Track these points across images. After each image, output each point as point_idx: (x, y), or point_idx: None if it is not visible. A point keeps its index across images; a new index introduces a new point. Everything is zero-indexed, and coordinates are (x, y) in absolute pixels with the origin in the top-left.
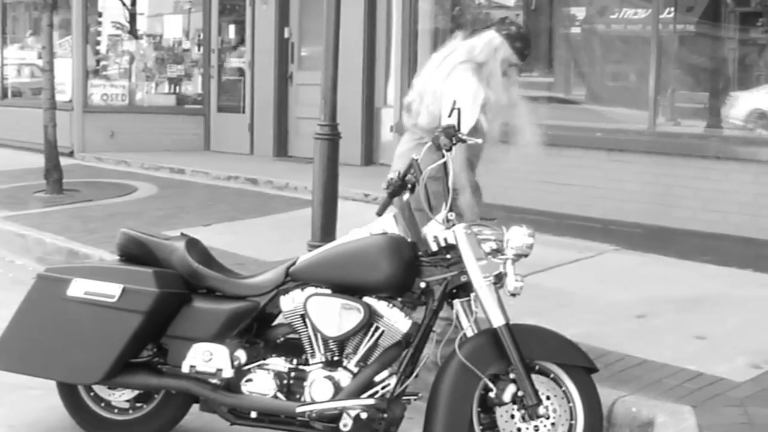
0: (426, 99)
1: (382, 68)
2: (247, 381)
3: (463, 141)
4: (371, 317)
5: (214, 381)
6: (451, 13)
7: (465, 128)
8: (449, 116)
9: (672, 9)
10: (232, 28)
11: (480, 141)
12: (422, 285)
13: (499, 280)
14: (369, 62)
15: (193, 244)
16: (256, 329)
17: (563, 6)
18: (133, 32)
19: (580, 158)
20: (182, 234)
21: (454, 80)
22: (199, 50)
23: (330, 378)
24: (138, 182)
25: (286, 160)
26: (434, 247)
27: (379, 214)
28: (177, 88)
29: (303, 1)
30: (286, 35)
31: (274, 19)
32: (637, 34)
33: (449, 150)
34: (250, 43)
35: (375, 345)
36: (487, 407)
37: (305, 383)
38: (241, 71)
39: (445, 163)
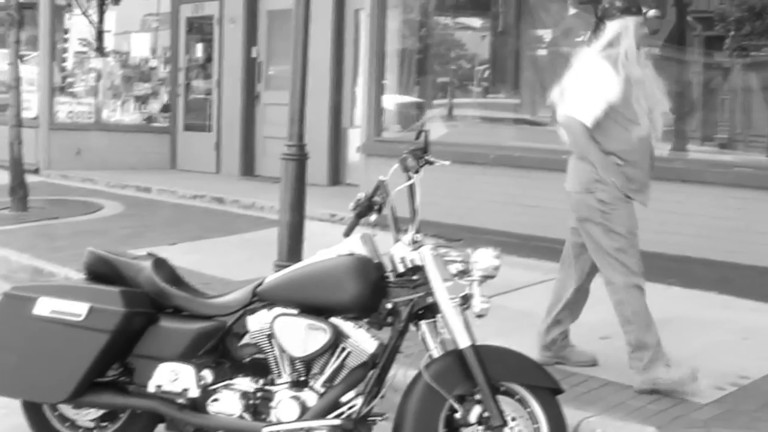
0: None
1: (350, 88)
2: (213, 401)
3: (431, 163)
4: (338, 338)
5: (180, 401)
6: (419, 33)
7: (589, 118)
8: (416, 138)
9: None
10: (199, 46)
11: (447, 163)
12: (389, 306)
13: (465, 301)
14: (336, 82)
15: (160, 264)
16: (223, 349)
17: (530, 28)
18: (100, 50)
19: (545, 180)
20: (149, 253)
21: (583, 70)
22: (166, 68)
23: (296, 398)
24: (104, 200)
25: (252, 180)
26: (401, 268)
27: (347, 234)
28: (144, 106)
29: (271, 21)
30: (253, 55)
31: (241, 38)
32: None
33: (416, 172)
34: (218, 62)
35: (341, 365)
36: (453, 428)
37: (271, 403)
38: (208, 90)
39: (411, 185)
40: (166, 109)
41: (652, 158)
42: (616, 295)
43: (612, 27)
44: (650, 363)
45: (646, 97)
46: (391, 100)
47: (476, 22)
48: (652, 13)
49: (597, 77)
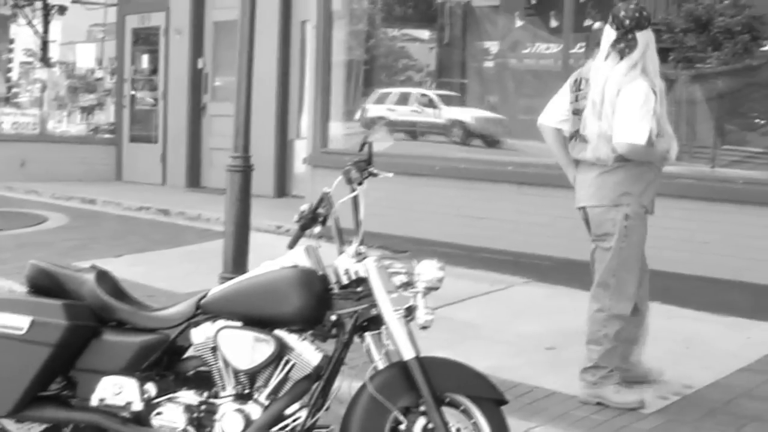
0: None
1: (296, 100)
2: (156, 414)
3: (375, 175)
4: (282, 350)
5: (123, 414)
6: (366, 44)
7: (645, 137)
8: (360, 150)
9: (583, 44)
10: (145, 57)
11: (390, 175)
12: (333, 318)
13: (409, 313)
14: (282, 93)
15: (103, 276)
16: (167, 362)
17: (476, 40)
18: (45, 60)
19: (491, 191)
20: (92, 266)
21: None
22: (112, 79)
23: (240, 411)
24: (49, 212)
25: (198, 191)
26: (345, 280)
27: (291, 246)
28: (89, 117)
29: (217, 32)
30: (199, 66)
31: (187, 49)
32: (548, 69)
33: (360, 184)
34: (164, 73)
35: (286, 378)
36: None
37: (216, 416)
38: (154, 101)
39: (355, 197)
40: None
41: None
42: (598, 314)
43: (643, 38)
44: (601, 381)
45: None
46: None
47: (423, 33)
48: (597, 26)
49: (645, 98)
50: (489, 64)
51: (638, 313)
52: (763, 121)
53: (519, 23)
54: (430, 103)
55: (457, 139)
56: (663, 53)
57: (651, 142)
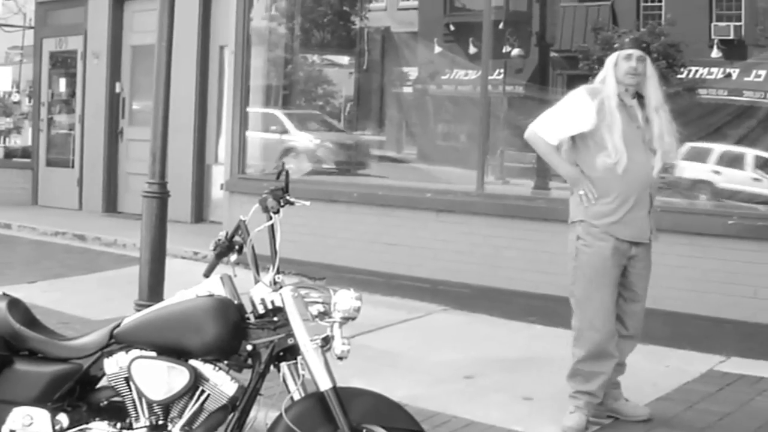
0: None
1: (214, 124)
2: None
3: (291, 203)
4: (197, 380)
5: None
6: (285, 70)
7: (552, 137)
8: (277, 178)
9: (501, 71)
10: (63, 81)
11: (308, 203)
12: (249, 348)
13: (326, 343)
14: (201, 118)
15: (14, 305)
16: (79, 392)
17: (395, 66)
18: None
19: (409, 218)
20: (4, 294)
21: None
22: (29, 103)
23: None
24: None
25: (115, 216)
26: (261, 310)
27: (206, 275)
28: (5, 140)
29: (135, 56)
30: (117, 90)
31: (105, 73)
32: (467, 96)
33: (277, 212)
34: (81, 97)
35: (201, 408)
36: None
37: None
38: (71, 125)
39: (272, 225)
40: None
41: (650, 196)
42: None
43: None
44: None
45: (655, 138)
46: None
47: (342, 59)
48: (515, 52)
49: (571, 102)
50: (407, 89)
51: (610, 356)
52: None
53: (438, 49)
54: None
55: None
56: (580, 80)
57: (556, 141)
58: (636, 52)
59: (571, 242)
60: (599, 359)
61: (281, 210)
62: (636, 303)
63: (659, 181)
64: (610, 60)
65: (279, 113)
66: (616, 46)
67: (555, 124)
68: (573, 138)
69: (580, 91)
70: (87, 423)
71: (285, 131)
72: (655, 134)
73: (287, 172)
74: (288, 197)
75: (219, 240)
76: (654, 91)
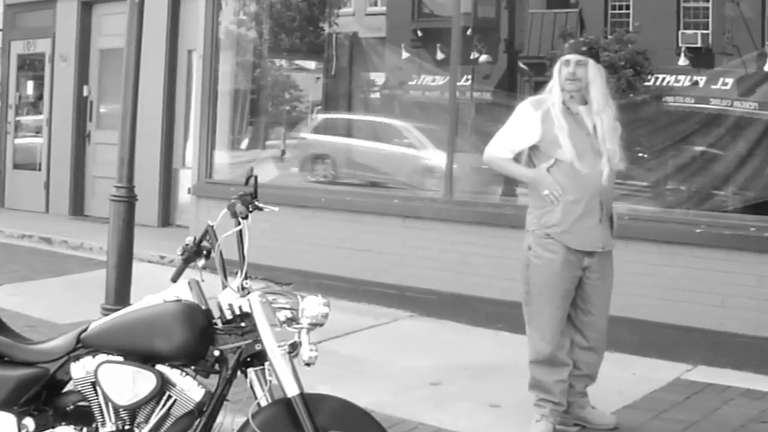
0: None
1: (182, 128)
2: None
3: (260, 209)
4: (164, 386)
5: None
6: (253, 74)
7: (506, 151)
8: (245, 183)
9: (469, 77)
10: (30, 84)
11: (276, 209)
12: (216, 353)
13: (293, 349)
14: (168, 122)
15: None
16: (46, 396)
17: (363, 71)
18: None
19: (376, 224)
20: None
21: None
22: None
23: None
24: None
25: (82, 220)
26: (229, 315)
27: (174, 280)
28: None
29: (103, 60)
30: (85, 93)
31: (73, 76)
32: (434, 101)
33: (245, 218)
34: (49, 100)
35: (167, 414)
36: None
37: None
38: (38, 128)
39: (240, 231)
40: None
41: (601, 204)
42: None
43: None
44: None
45: (600, 143)
46: None
47: (310, 64)
48: (483, 58)
49: (516, 117)
50: (375, 95)
51: (562, 365)
52: (647, 156)
53: (405, 55)
54: None
55: None
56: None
57: (510, 155)
58: (574, 57)
59: (524, 251)
60: (552, 367)
61: (250, 215)
62: (592, 315)
63: (613, 188)
64: (555, 67)
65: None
66: (557, 52)
67: (505, 141)
68: (529, 153)
69: (524, 105)
70: (53, 427)
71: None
72: (599, 139)
73: (256, 178)
74: (257, 202)
75: (187, 245)
76: (596, 95)
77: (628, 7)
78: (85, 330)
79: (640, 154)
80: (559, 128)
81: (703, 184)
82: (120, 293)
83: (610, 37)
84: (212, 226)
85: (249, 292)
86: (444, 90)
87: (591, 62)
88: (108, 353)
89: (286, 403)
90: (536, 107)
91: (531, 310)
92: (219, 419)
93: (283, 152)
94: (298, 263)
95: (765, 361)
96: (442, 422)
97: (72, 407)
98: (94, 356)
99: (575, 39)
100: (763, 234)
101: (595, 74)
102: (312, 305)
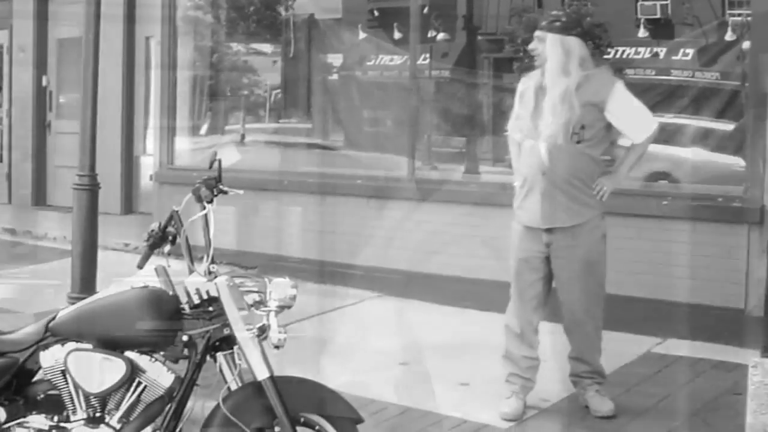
0: None
1: (142, 115)
2: None
3: (225, 192)
4: (133, 372)
5: None
6: (210, 60)
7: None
8: (209, 167)
9: (427, 55)
10: None
11: (241, 192)
12: (185, 338)
13: (262, 332)
14: (128, 109)
15: None
16: (16, 386)
17: (321, 53)
18: None
19: (341, 205)
20: None
21: None
22: None
23: None
24: None
25: (45, 209)
26: (196, 300)
27: (140, 266)
28: None
29: (61, 50)
30: (44, 83)
31: (32, 66)
32: (394, 81)
33: (210, 202)
34: (8, 91)
35: (138, 400)
36: None
37: None
38: None
39: (205, 215)
40: None
41: (549, 180)
42: None
43: None
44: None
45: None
46: None
47: (268, 47)
48: (441, 36)
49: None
50: (333, 76)
51: (529, 344)
52: None
53: (362, 35)
54: None
55: None
56: (506, 63)
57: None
58: (536, 33)
59: None
60: (521, 343)
61: (215, 199)
62: (562, 293)
63: (570, 164)
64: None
65: None
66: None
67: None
68: None
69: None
70: (24, 417)
71: None
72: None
73: (220, 161)
74: (221, 186)
75: (152, 231)
76: (549, 69)
77: None
78: (54, 319)
79: None
80: (522, 105)
81: (670, 155)
82: (86, 281)
83: (567, 10)
84: (177, 211)
85: (216, 276)
86: (402, 69)
87: (549, 36)
88: (77, 341)
89: (256, 387)
90: (523, 84)
91: (512, 283)
92: (189, 404)
93: (243, 136)
94: (262, 247)
95: (736, 332)
96: (412, 401)
97: (42, 396)
98: (63, 345)
99: (544, 15)
100: (730, 204)
101: (551, 49)
102: (280, 288)
